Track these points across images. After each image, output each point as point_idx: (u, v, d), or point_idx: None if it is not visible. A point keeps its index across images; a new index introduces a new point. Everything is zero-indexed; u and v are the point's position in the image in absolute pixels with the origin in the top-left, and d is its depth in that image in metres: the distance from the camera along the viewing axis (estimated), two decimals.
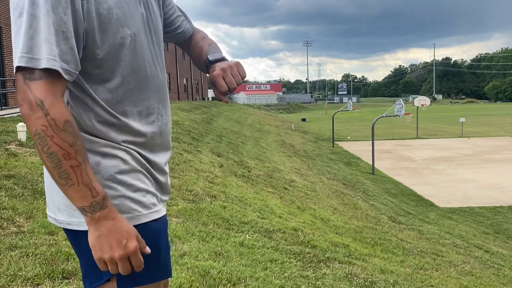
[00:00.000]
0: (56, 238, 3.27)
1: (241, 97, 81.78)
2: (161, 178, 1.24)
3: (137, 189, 1.14)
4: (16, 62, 0.95)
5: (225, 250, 3.79)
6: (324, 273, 3.72)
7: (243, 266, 3.48)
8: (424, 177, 15.90)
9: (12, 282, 2.53)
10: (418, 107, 31.53)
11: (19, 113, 1.08)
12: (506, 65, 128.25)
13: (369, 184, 13.98)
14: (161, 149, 1.24)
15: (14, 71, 0.98)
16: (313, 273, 3.67)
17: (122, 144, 1.13)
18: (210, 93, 59.50)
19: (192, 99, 41.43)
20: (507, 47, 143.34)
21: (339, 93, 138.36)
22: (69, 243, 2.45)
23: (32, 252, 2.94)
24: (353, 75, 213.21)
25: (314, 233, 5.39)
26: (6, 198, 3.95)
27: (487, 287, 5.03)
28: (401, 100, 18.92)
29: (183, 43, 1.47)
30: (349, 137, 29.34)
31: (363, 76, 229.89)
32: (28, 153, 5.86)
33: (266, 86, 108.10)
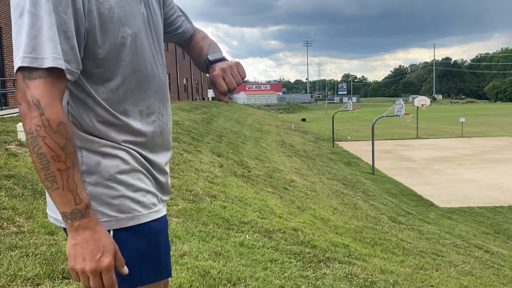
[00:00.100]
0: (56, 238, 3.27)
1: (241, 97, 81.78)
2: (161, 178, 1.24)
3: (137, 189, 1.14)
4: (19, 63, 0.94)
5: (225, 250, 3.79)
6: (324, 273, 3.72)
7: (243, 266, 3.48)
8: (424, 177, 15.90)
9: (12, 282, 2.53)
10: (418, 107, 31.53)
11: (19, 113, 1.08)
12: (506, 65, 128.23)
13: (369, 184, 13.98)
14: (161, 149, 1.24)
15: (15, 71, 0.97)
16: (313, 273, 3.67)
17: (123, 144, 1.13)
18: (210, 93, 59.49)
19: (192, 99, 41.43)
20: (507, 47, 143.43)
21: (339, 93, 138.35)
22: None
23: (32, 252, 2.94)
24: (353, 75, 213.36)
25: (314, 233, 5.39)
26: (6, 198, 3.95)
27: (487, 287, 5.03)
28: (401, 100, 18.91)
29: (183, 43, 1.47)
30: (349, 137, 29.34)
31: (363, 76, 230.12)
32: (28, 153, 5.86)
33: (266, 86, 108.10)
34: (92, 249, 0.97)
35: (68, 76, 0.99)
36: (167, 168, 1.28)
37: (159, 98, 1.22)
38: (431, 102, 50.56)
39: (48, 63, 0.94)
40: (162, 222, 1.20)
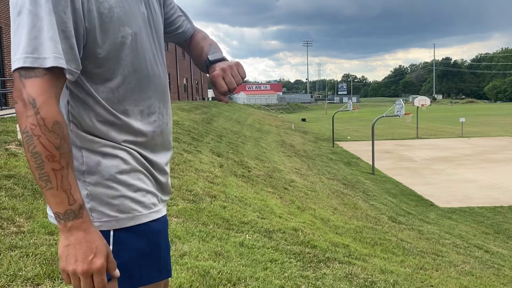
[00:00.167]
0: (56, 238, 3.27)
1: (241, 97, 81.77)
2: (161, 178, 1.24)
3: (137, 189, 1.13)
4: (20, 63, 0.94)
5: (225, 250, 3.79)
6: (324, 273, 3.72)
7: (243, 266, 3.48)
8: (424, 177, 15.90)
9: (12, 282, 2.53)
10: (418, 107, 31.53)
11: (15, 112, 1.08)
12: (506, 65, 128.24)
13: (369, 184, 13.98)
14: (162, 149, 1.24)
15: (12, 70, 0.97)
16: (313, 273, 3.67)
17: (123, 144, 1.13)
18: (210, 93, 59.48)
19: (192, 99, 41.43)
20: (507, 47, 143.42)
21: (339, 93, 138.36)
22: None
23: (32, 252, 2.94)
24: (353, 75, 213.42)
25: (314, 233, 5.39)
26: (6, 198, 3.95)
27: (487, 287, 5.03)
28: (401, 100, 18.90)
29: (183, 43, 1.47)
30: (349, 137, 29.34)
31: (363, 76, 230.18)
32: None
33: (266, 86, 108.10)
34: (84, 250, 0.96)
35: (68, 76, 0.99)
36: (167, 168, 1.27)
37: (160, 98, 1.21)
38: (431, 102, 50.56)
39: (49, 63, 0.94)
40: (162, 222, 1.20)
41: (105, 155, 1.10)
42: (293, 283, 3.32)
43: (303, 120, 48.38)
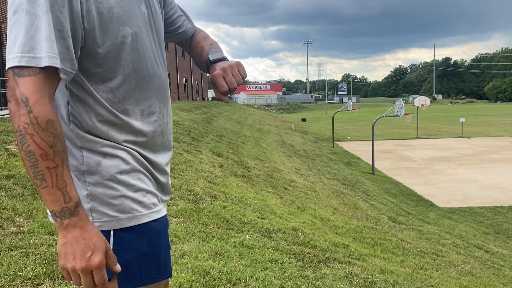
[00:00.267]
0: (56, 238, 3.27)
1: (241, 97, 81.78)
2: (161, 178, 1.23)
3: (137, 189, 1.13)
4: (15, 62, 0.94)
5: (225, 250, 3.79)
6: (324, 273, 3.71)
7: (243, 266, 3.48)
8: (424, 177, 15.90)
9: (12, 282, 2.53)
10: (418, 107, 31.53)
11: (8, 110, 1.08)
12: (506, 65, 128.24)
13: (369, 184, 13.98)
14: (162, 149, 1.24)
15: (6, 68, 0.96)
16: (313, 273, 3.67)
17: (123, 144, 1.13)
18: (210, 93, 59.51)
19: (192, 99, 41.44)
20: (507, 47, 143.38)
21: (339, 93, 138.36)
22: None
23: (32, 252, 2.93)
24: (353, 75, 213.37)
25: (314, 233, 5.39)
26: (6, 198, 3.95)
27: (487, 287, 5.03)
28: (401, 100, 18.89)
29: (184, 43, 1.47)
30: (349, 137, 29.34)
31: (363, 76, 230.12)
32: None
33: (266, 86, 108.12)
34: (82, 248, 0.97)
35: (62, 76, 0.98)
36: (167, 168, 1.27)
37: (160, 98, 1.21)
38: (431, 102, 50.55)
39: (44, 62, 0.94)
40: (162, 222, 1.20)
41: (106, 155, 1.10)
42: (293, 283, 3.32)
43: (303, 120, 48.38)
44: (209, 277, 3.09)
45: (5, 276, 2.57)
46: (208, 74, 1.29)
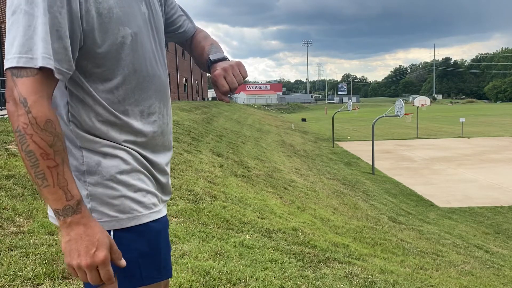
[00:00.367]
0: (56, 238, 3.27)
1: (241, 97, 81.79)
2: (162, 178, 1.23)
3: (137, 189, 1.13)
4: (13, 63, 0.94)
5: (225, 250, 3.79)
6: (324, 273, 3.71)
7: (243, 266, 3.48)
8: (424, 177, 15.90)
9: (12, 282, 2.53)
10: (418, 107, 31.53)
11: (7, 111, 1.10)
12: (506, 65, 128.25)
13: (369, 184, 13.98)
14: (162, 149, 1.24)
15: (5, 69, 0.97)
16: (313, 273, 3.67)
17: (123, 144, 1.13)
18: (210, 93, 59.52)
19: (192, 99, 41.45)
20: (507, 47, 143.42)
21: (339, 93, 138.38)
22: None
23: (32, 252, 2.93)
24: (353, 75, 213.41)
25: (314, 233, 5.39)
26: (6, 198, 3.95)
27: (487, 287, 5.03)
28: (401, 100, 18.90)
29: (184, 42, 1.46)
30: (349, 137, 29.34)
31: (363, 76, 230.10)
32: None
33: (266, 86, 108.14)
34: (86, 244, 0.98)
35: (58, 76, 0.98)
36: (167, 169, 1.27)
37: (160, 98, 1.21)
38: (431, 102, 50.56)
39: (39, 63, 0.94)
40: (162, 223, 1.20)
41: (106, 155, 1.10)
42: (293, 283, 3.32)
43: (303, 120, 48.38)
44: (209, 277, 3.09)
45: (5, 276, 2.57)
46: (208, 74, 1.28)
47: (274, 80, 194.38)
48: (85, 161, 1.09)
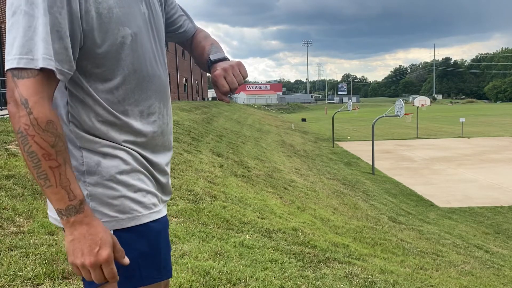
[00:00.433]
0: (56, 238, 3.27)
1: (241, 97, 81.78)
2: (162, 178, 1.23)
3: (137, 190, 1.13)
4: (14, 64, 0.94)
5: (225, 250, 3.79)
6: (324, 273, 3.71)
7: (243, 266, 3.48)
8: (424, 177, 15.90)
9: (12, 282, 2.53)
10: (418, 107, 31.53)
11: (8, 112, 1.11)
12: (506, 65, 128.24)
13: (369, 184, 13.98)
14: (162, 149, 1.24)
15: (5, 70, 0.97)
16: (313, 273, 3.67)
17: (123, 144, 1.12)
18: (210, 93, 59.52)
19: (192, 99, 41.45)
20: (507, 47, 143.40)
21: (339, 93, 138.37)
22: None
23: (32, 252, 2.93)
24: (353, 75, 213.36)
25: (314, 233, 5.39)
26: (6, 198, 3.95)
27: (487, 287, 5.03)
28: (401, 100, 18.90)
29: (185, 42, 1.46)
30: (349, 137, 29.34)
31: (363, 76, 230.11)
32: None
33: (266, 86, 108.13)
34: (89, 243, 0.98)
35: (59, 77, 0.98)
36: (167, 169, 1.27)
37: (160, 98, 1.21)
38: (431, 102, 50.56)
39: (39, 64, 0.94)
40: (162, 223, 1.20)
41: (105, 155, 1.10)
42: (293, 283, 3.32)
43: (303, 120, 48.37)
44: (209, 277, 3.09)
45: (5, 276, 2.57)
46: (209, 74, 1.28)
47: (274, 80, 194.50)
48: (85, 161, 1.09)
